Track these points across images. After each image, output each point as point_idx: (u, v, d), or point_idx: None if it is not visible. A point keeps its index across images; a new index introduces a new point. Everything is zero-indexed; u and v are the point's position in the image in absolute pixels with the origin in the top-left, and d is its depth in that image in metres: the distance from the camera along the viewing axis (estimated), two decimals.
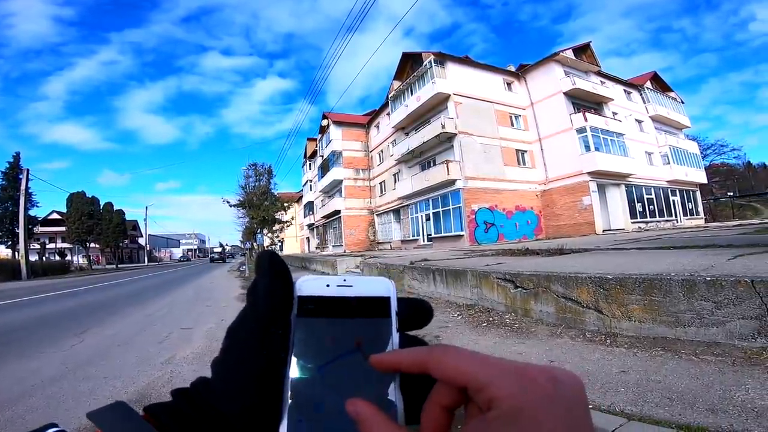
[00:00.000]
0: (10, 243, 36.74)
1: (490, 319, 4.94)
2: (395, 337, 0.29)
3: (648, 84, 28.32)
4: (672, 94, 30.48)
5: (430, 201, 22.95)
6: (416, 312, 0.32)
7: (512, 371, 0.22)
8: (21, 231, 25.99)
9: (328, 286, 0.30)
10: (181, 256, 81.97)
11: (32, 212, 36.19)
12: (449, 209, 21.49)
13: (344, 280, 0.31)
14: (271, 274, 0.29)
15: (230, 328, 0.31)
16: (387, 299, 0.30)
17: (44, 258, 39.74)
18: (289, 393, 0.27)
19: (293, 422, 0.26)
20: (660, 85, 29.87)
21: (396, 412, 0.27)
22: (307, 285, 0.30)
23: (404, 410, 0.27)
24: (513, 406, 0.20)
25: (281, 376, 0.28)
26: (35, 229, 37.25)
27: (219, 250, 60.28)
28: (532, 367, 0.22)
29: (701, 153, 33.60)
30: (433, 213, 22.90)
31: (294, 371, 0.28)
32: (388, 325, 0.29)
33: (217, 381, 0.30)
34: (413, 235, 25.02)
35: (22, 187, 26.56)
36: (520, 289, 4.87)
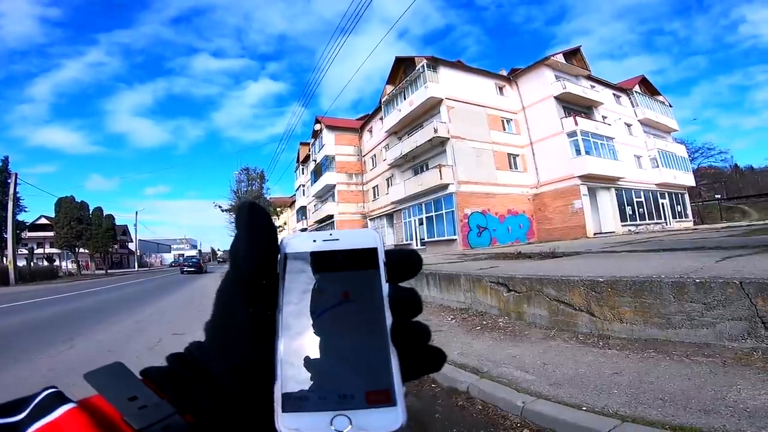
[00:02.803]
0: None
1: (484, 322, 4.95)
2: (385, 287, 0.29)
3: (637, 88, 28.68)
4: (660, 98, 30.90)
5: (423, 205, 22.99)
6: (405, 262, 0.31)
7: None
8: (9, 236, 25.59)
9: (314, 241, 0.30)
10: (172, 261, 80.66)
11: (20, 217, 35.65)
12: (442, 213, 21.53)
13: (330, 235, 0.30)
14: (251, 228, 0.29)
15: (218, 290, 0.30)
16: (374, 250, 0.30)
17: (32, 263, 39.15)
18: (281, 350, 0.27)
19: (286, 378, 0.26)
20: (648, 88, 30.27)
21: (390, 365, 0.26)
22: (293, 242, 0.30)
23: (399, 363, 0.27)
24: None
25: (270, 334, 0.27)
26: (23, 235, 36.72)
27: (193, 254, 51.43)
28: None
29: (689, 156, 34.08)
30: (426, 217, 22.94)
31: (284, 328, 0.27)
32: (377, 276, 0.29)
33: (208, 343, 0.30)
34: (406, 240, 25.02)
35: (11, 191, 26.19)
36: (513, 292, 4.88)
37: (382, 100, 26.79)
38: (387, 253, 0.30)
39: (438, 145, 21.94)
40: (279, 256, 0.30)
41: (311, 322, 0.27)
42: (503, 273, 5.37)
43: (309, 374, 0.26)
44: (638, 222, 24.07)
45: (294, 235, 0.31)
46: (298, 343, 0.27)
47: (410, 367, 0.28)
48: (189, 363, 0.30)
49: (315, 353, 0.27)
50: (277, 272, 0.29)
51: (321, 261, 0.29)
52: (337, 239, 0.30)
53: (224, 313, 0.29)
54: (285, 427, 0.25)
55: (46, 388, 0.28)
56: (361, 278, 0.29)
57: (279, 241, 0.30)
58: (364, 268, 0.29)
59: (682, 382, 2.55)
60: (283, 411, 0.25)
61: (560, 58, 23.66)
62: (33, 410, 0.26)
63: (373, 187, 31.04)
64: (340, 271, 0.29)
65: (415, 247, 23.15)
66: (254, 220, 0.29)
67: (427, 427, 2.69)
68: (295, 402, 0.25)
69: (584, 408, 2.39)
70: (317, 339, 0.27)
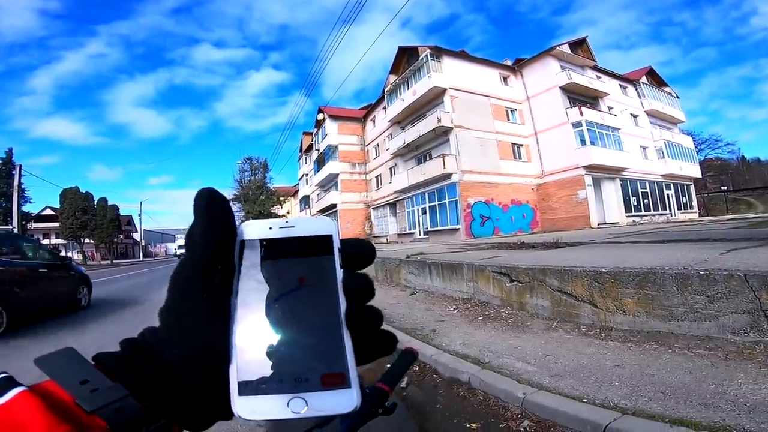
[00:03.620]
0: None
1: (486, 312, 4.96)
2: (339, 273, 0.29)
3: (644, 79, 28.33)
4: (667, 89, 30.52)
5: (426, 195, 22.94)
6: (359, 250, 0.31)
7: None
8: (14, 227, 25.77)
9: (270, 228, 0.30)
10: (177, 248, 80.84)
11: (25, 208, 35.95)
12: (445, 203, 21.49)
13: (287, 222, 0.31)
14: (208, 215, 0.28)
15: (172, 275, 0.30)
16: (329, 237, 0.30)
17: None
18: (236, 335, 0.27)
19: (242, 363, 0.26)
20: (655, 80, 29.89)
21: (344, 349, 0.27)
22: (249, 229, 0.30)
23: (353, 349, 0.27)
24: None
25: (225, 320, 0.28)
26: (29, 226, 36.97)
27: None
28: None
29: (696, 147, 33.71)
30: (429, 206, 22.90)
31: (240, 313, 0.28)
32: (332, 262, 0.29)
33: (162, 329, 0.30)
34: (409, 229, 25.02)
35: (15, 182, 26.29)
36: (515, 282, 4.88)
37: (386, 90, 26.60)
38: (342, 241, 0.31)
39: (441, 134, 21.81)
40: (236, 242, 0.30)
41: (267, 307, 0.28)
42: (506, 263, 5.37)
43: (265, 358, 0.26)
44: (643, 213, 23.96)
45: (250, 222, 0.31)
46: (254, 328, 0.27)
47: (363, 350, 0.29)
48: (143, 348, 0.30)
49: (270, 338, 0.27)
50: (233, 259, 0.29)
51: (277, 247, 0.29)
52: (293, 226, 0.30)
53: (178, 299, 0.29)
54: (242, 410, 0.25)
55: None
56: (317, 264, 0.29)
57: (236, 227, 0.30)
58: (319, 254, 0.29)
59: (684, 375, 2.55)
60: (240, 394, 0.26)
61: (566, 49, 23.36)
62: None
63: (376, 177, 30.97)
64: (296, 257, 0.29)
65: (418, 236, 23.20)
66: (211, 207, 0.29)
67: (428, 418, 2.71)
68: (251, 386, 0.26)
69: (585, 400, 2.40)
70: (273, 324, 0.27)
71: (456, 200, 20.63)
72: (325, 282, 0.29)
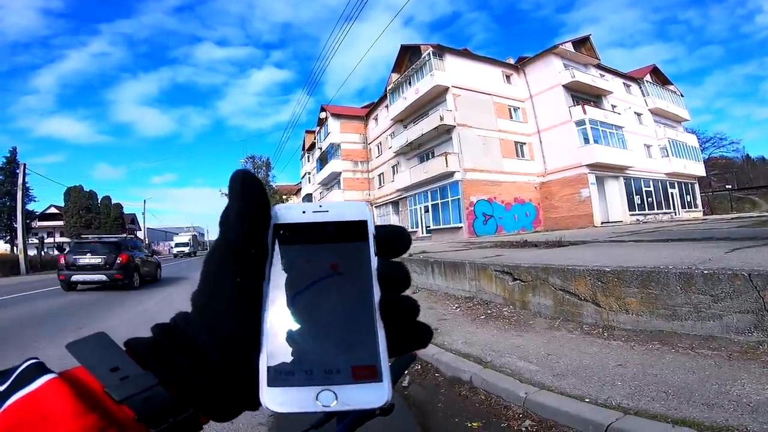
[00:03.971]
0: (8, 238, 36.71)
1: (489, 311, 4.95)
2: (374, 261, 0.28)
3: (648, 77, 28.18)
4: (671, 88, 30.37)
5: (429, 193, 22.93)
6: (394, 237, 0.30)
7: None
8: (19, 226, 25.84)
9: (304, 212, 0.30)
10: (174, 246, 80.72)
11: (30, 207, 36.11)
12: (448, 201, 21.47)
13: (320, 206, 0.30)
14: (243, 197, 0.28)
15: (206, 259, 0.29)
16: (364, 222, 0.29)
17: (43, 252, 39.70)
18: (267, 322, 0.26)
19: (272, 352, 0.25)
20: (660, 78, 29.74)
21: (377, 340, 0.26)
22: (283, 212, 0.29)
23: (386, 340, 0.26)
24: None
25: (257, 305, 0.27)
26: (33, 224, 37.15)
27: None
28: None
29: (700, 146, 33.57)
30: (431, 205, 22.89)
31: (271, 300, 0.27)
32: (366, 249, 0.28)
33: (194, 313, 0.29)
34: (412, 227, 25.00)
35: (20, 181, 26.38)
36: (518, 281, 4.87)
37: (388, 89, 26.58)
38: (377, 227, 0.30)
39: (444, 132, 21.79)
40: (269, 225, 0.29)
41: (299, 294, 0.27)
42: (508, 261, 5.35)
43: (295, 348, 0.25)
44: (646, 211, 23.85)
45: (284, 205, 0.30)
46: (285, 316, 0.26)
47: (397, 343, 0.28)
48: (174, 334, 0.29)
49: (302, 326, 0.26)
50: (267, 242, 0.28)
51: (310, 232, 0.29)
52: (327, 211, 0.30)
53: (211, 283, 0.28)
54: (270, 401, 0.24)
55: (27, 360, 0.28)
56: (350, 251, 0.28)
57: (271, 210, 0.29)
58: (353, 240, 0.29)
59: (687, 375, 2.53)
60: (269, 385, 0.25)
61: (569, 47, 23.27)
62: (14, 381, 0.25)
63: (379, 175, 30.98)
64: (329, 242, 0.29)
65: (420, 235, 23.18)
66: (246, 188, 0.28)
67: (430, 417, 2.71)
68: (280, 376, 0.25)
69: (587, 399, 2.39)
70: (304, 312, 0.26)
71: (458, 199, 20.61)
72: (359, 269, 0.28)
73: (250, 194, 0.28)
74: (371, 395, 0.25)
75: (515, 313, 4.67)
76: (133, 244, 12.37)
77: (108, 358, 0.28)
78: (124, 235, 21.03)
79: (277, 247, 0.28)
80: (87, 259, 10.30)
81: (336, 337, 0.26)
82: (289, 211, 0.29)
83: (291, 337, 0.26)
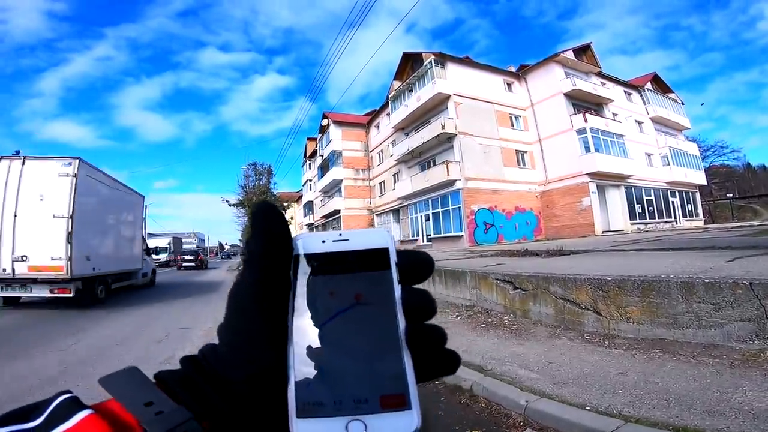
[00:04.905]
0: None
1: (489, 320, 4.94)
2: (397, 289, 0.28)
3: (648, 85, 28.29)
4: (672, 95, 30.47)
5: (430, 201, 22.94)
6: (416, 263, 0.30)
7: None
8: None
9: (323, 242, 0.29)
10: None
11: None
12: (449, 210, 21.47)
13: (340, 235, 0.30)
14: (267, 231, 0.28)
15: (230, 293, 0.30)
16: (385, 250, 0.29)
17: None
18: (294, 354, 0.26)
19: (300, 383, 0.25)
20: (660, 86, 29.86)
21: (404, 369, 0.26)
22: (303, 242, 0.29)
23: (413, 368, 0.26)
24: None
25: (284, 339, 0.27)
26: None
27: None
28: None
29: (701, 154, 33.56)
30: (432, 213, 22.88)
31: (297, 332, 0.27)
32: (389, 277, 0.28)
33: (222, 347, 0.30)
34: (413, 236, 24.99)
35: None
36: (519, 290, 4.87)
37: (389, 96, 26.70)
38: (399, 253, 0.30)
39: (445, 141, 21.85)
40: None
41: (324, 325, 0.27)
42: (509, 270, 5.36)
43: (323, 379, 0.26)
44: (648, 220, 23.82)
45: (303, 235, 0.30)
46: (311, 347, 0.26)
47: (424, 370, 0.28)
48: (203, 367, 0.30)
49: (328, 357, 0.26)
50: (290, 275, 0.28)
51: (332, 262, 0.29)
52: (347, 239, 0.29)
53: (238, 317, 0.29)
54: None
55: (61, 393, 0.28)
56: (373, 280, 0.28)
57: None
58: (375, 269, 0.28)
59: (688, 382, 2.53)
60: (298, 417, 0.25)
61: (570, 55, 23.40)
62: (49, 416, 0.25)
63: (380, 183, 31.02)
64: (352, 272, 0.28)
65: (421, 243, 23.17)
66: (270, 223, 0.28)
67: (430, 425, 2.70)
68: (309, 407, 0.25)
69: (588, 408, 2.38)
70: (330, 342, 0.26)
71: (459, 207, 20.61)
72: (383, 298, 0.28)
73: (274, 229, 0.28)
74: (401, 423, 0.25)
75: (516, 322, 4.66)
76: None
77: (141, 393, 0.28)
78: None
79: (299, 279, 0.28)
80: None
81: (363, 367, 0.26)
82: (309, 241, 0.30)
83: (318, 368, 0.26)
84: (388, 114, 27.44)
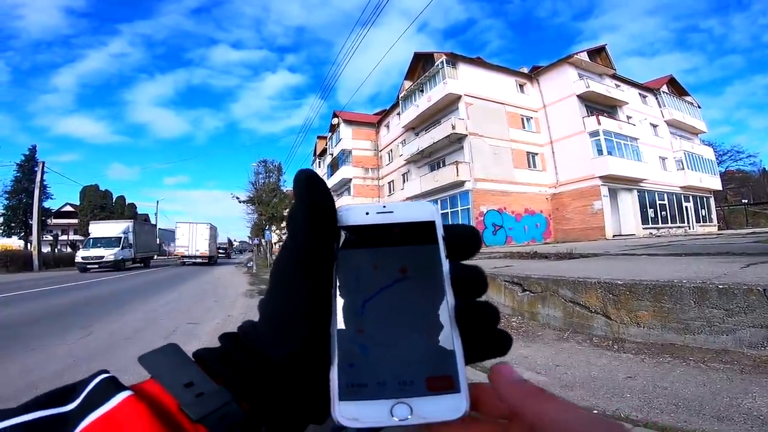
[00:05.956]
0: (23, 234, 37.47)
1: None
2: (445, 265, 0.26)
3: (664, 88, 27.94)
4: (689, 99, 30.04)
5: (439, 202, 22.88)
6: (464, 238, 0.29)
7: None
8: (35, 223, 26.34)
9: (367, 213, 0.28)
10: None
11: (46, 204, 36.85)
12: (457, 210, 21.43)
13: (384, 207, 0.28)
14: (310, 201, 0.26)
15: (274, 267, 0.29)
16: (432, 224, 0.28)
17: (56, 250, 40.42)
18: (337, 332, 0.25)
19: (343, 364, 0.24)
20: (676, 89, 29.46)
21: (453, 349, 0.24)
22: (345, 214, 0.28)
23: (462, 347, 0.25)
24: None
25: (327, 315, 0.26)
26: (48, 221, 37.84)
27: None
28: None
29: (717, 159, 33.05)
30: (441, 214, 22.77)
31: (340, 307, 0.25)
32: (436, 252, 0.27)
33: (263, 324, 0.29)
34: None
35: (37, 179, 26.96)
36: (527, 292, 4.84)
37: (400, 96, 26.73)
38: (446, 227, 0.28)
39: (455, 141, 21.81)
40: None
41: (367, 301, 0.25)
42: (518, 272, 5.33)
43: (367, 359, 0.24)
44: (660, 225, 23.53)
45: (345, 207, 0.28)
46: (355, 325, 0.25)
47: (474, 351, 0.26)
48: (244, 345, 0.29)
49: (373, 335, 0.25)
50: (334, 247, 0.27)
51: (376, 235, 0.27)
52: (392, 211, 0.28)
53: (280, 291, 0.28)
54: (343, 416, 0.23)
55: (99, 373, 0.26)
56: (419, 254, 0.27)
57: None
58: (421, 243, 0.27)
59: (697, 388, 2.50)
60: (341, 399, 0.23)
61: (584, 57, 23.20)
62: (86, 399, 0.24)
63: (389, 182, 31.05)
64: (397, 245, 0.27)
65: None
66: (313, 191, 0.26)
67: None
68: (352, 389, 0.23)
69: (595, 411, 2.37)
70: (374, 320, 0.25)
71: (468, 208, 20.57)
72: (430, 273, 0.26)
73: (318, 197, 0.26)
74: (448, 407, 0.23)
75: (524, 324, 4.64)
76: None
77: (181, 373, 0.27)
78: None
79: (342, 251, 0.27)
80: None
81: (409, 347, 0.24)
82: (352, 213, 0.28)
83: (362, 348, 0.24)
84: (399, 114, 27.47)
